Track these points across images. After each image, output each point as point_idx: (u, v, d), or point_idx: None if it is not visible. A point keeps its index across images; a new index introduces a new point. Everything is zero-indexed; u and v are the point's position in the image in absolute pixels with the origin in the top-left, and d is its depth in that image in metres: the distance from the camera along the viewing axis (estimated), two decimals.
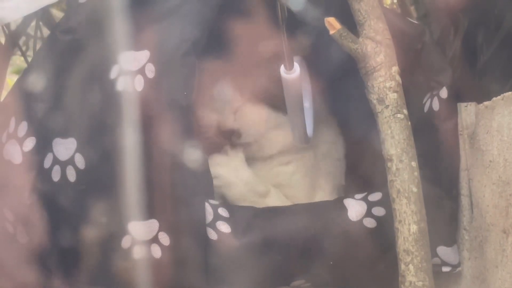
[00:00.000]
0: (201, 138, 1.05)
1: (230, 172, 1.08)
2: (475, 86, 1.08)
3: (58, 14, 1.38)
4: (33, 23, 1.33)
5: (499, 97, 0.95)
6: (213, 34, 1.02)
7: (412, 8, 1.36)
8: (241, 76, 1.08)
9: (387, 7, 1.51)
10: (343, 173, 1.16)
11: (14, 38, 1.30)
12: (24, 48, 1.39)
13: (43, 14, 1.28)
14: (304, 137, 1.08)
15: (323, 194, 1.11)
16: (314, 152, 1.13)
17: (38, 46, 1.34)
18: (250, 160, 1.10)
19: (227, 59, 1.07)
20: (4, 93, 1.39)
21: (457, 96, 1.04)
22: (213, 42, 1.03)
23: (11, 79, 1.59)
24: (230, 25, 1.04)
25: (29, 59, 1.40)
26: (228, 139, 1.09)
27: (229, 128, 1.09)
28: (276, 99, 1.08)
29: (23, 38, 1.38)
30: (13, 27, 1.28)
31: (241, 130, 1.09)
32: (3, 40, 1.28)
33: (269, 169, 1.11)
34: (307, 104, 1.08)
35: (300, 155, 1.12)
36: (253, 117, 1.09)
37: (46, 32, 1.34)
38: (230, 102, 1.09)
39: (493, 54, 1.10)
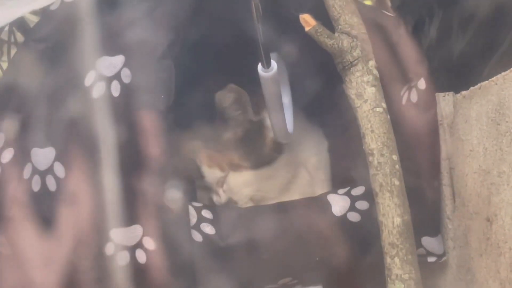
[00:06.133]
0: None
1: None
2: (452, 76, 1.08)
3: (31, 17, 1.36)
4: (6, 28, 1.31)
5: (476, 86, 0.95)
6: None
7: None
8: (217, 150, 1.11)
9: None
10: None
11: None
12: None
13: (16, 19, 1.26)
14: (285, 134, 1.08)
15: None
16: (306, 169, 1.14)
17: (12, 51, 1.32)
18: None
19: None
20: None
21: (435, 87, 1.04)
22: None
23: None
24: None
25: (3, 64, 1.38)
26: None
27: (223, 202, 1.11)
28: (258, 156, 1.10)
29: None
30: None
31: (235, 199, 1.11)
32: None
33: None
34: (286, 101, 1.08)
35: (298, 179, 1.14)
36: (241, 184, 1.11)
37: (20, 37, 1.32)
38: (215, 178, 1.11)
39: (468, 43, 1.10)
